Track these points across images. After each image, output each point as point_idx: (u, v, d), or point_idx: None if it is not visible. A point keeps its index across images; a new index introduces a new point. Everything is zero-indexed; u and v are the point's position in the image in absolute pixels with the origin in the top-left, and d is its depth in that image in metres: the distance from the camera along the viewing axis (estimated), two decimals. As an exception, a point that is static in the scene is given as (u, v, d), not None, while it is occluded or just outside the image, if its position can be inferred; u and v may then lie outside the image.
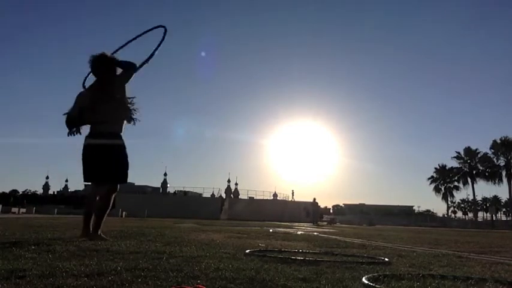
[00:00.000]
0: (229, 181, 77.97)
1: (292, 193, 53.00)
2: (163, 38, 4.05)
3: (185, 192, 49.17)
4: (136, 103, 3.87)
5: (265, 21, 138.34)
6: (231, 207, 42.25)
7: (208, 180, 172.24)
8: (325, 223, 22.06)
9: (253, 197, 50.09)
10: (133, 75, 3.88)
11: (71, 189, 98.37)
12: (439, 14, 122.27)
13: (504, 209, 79.69)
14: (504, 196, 71.30)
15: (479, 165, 49.86)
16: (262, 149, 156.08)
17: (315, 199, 24.49)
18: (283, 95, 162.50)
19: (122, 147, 3.86)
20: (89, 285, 1.53)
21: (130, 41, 4.24)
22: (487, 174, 48.71)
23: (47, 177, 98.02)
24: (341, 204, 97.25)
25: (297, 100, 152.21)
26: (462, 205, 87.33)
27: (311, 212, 24.30)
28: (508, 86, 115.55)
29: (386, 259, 2.78)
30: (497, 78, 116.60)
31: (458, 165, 52.09)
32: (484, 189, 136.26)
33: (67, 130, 3.80)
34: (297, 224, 19.93)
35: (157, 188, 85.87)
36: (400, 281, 1.89)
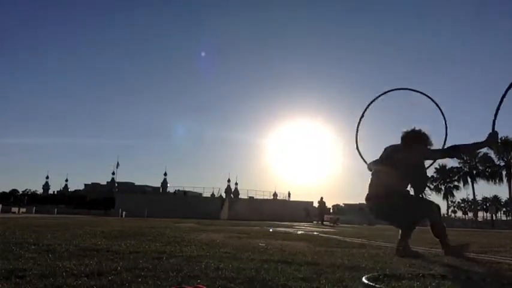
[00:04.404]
0: (229, 181, 78.01)
1: (289, 194, 52.97)
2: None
3: (185, 192, 49.13)
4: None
5: (265, 21, 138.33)
6: (231, 207, 42.21)
7: (208, 180, 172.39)
8: (328, 223, 21.59)
9: (253, 197, 50.02)
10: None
11: (71, 189, 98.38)
12: (440, 13, 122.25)
13: (504, 209, 79.65)
14: (504, 196, 71.38)
15: (479, 165, 49.85)
16: (262, 149, 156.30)
17: (322, 198, 23.12)
18: (283, 95, 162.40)
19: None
20: (89, 285, 1.53)
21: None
22: (487, 174, 48.67)
23: (47, 177, 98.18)
24: (341, 204, 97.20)
25: (297, 100, 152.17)
26: (462, 205, 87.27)
27: (311, 211, 23.53)
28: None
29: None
30: (497, 78, 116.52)
31: (458, 165, 52.08)
32: (484, 189, 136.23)
33: None
34: (297, 223, 19.92)
35: (158, 188, 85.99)
36: (400, 280, 1.89)
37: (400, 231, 3.84)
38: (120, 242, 3.56)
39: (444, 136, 4.47)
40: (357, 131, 4.46)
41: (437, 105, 4.53)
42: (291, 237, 5.66)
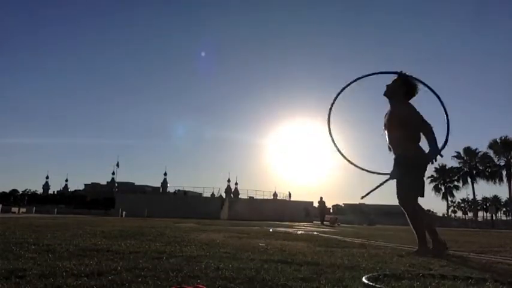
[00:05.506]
0: (229, 181, 77.99)
1: (289, 195, 52.91)
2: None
3: (185, 192, 49.09)
4: None
5: (265, 21, 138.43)
6: (231, 207, 42.16)
7: (208, 180, 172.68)
8: (328, 223, 21.51)
9: (253, 197, 49.94)
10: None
11: (71, 189, 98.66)
12: (441, 13, 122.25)
13: (504, 209, 79.65)
14: (504, 196, 71.51)
15: (479, 165, 49.82)
16: (262, 149, 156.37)
17: (322, 198, 22.83)
18: (283, 95, 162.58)
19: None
20: (89, 285, 1.53)
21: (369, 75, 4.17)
22: (487, 173, 48.64)
23: (47, 177, 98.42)
24: (341, 204, 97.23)
25: (297, 100, 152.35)
26: (462, 205, 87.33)
27: (311, 211, 23.30)
28: (508, 86, 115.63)
29: None
30: (497, 78, 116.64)
31: (458, 165, 52.05)
32: (484, 189, 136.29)
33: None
34: (297, 223, 19.92)
35: (158, 188, 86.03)
36: (400, 280, 1.89)
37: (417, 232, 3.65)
38: (120, 242, 3.56)
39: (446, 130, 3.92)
40: (329, 116, 4.11)
41: (436, 94, 3.95)
42: (291, 237, 5.66)
